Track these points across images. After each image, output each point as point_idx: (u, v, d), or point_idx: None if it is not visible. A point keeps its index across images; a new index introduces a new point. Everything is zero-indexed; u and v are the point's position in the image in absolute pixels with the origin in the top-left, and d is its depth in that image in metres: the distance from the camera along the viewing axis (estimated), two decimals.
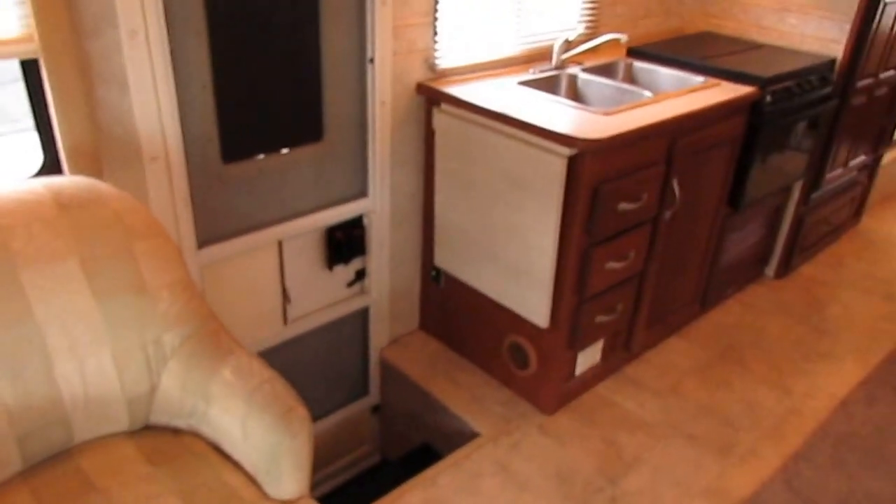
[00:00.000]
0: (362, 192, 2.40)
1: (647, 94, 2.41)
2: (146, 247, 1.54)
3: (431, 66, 2.37)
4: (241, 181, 2.08)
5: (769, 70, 2.67)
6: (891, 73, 3.28)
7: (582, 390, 2.56)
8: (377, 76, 2.24)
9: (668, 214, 2.43)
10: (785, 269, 3.36)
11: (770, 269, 3.38)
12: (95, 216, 1.50)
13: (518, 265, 2.27)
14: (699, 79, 2.63)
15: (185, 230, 1.97)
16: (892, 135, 3.67)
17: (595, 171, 2.08)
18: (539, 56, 2.69)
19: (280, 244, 2.25)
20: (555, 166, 2.05)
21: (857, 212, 3.85)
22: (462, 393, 2.56)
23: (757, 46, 3.07)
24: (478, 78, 2.44)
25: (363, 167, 2.37)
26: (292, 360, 2.47)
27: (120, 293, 1.48)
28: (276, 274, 2.28)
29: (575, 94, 2.63)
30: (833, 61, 2.94)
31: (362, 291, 2.56)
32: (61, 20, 1.53)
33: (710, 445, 2.39)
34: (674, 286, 2.72)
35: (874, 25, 2.89)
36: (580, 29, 2.80)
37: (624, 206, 2.20)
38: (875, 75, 3.17)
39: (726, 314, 3.09)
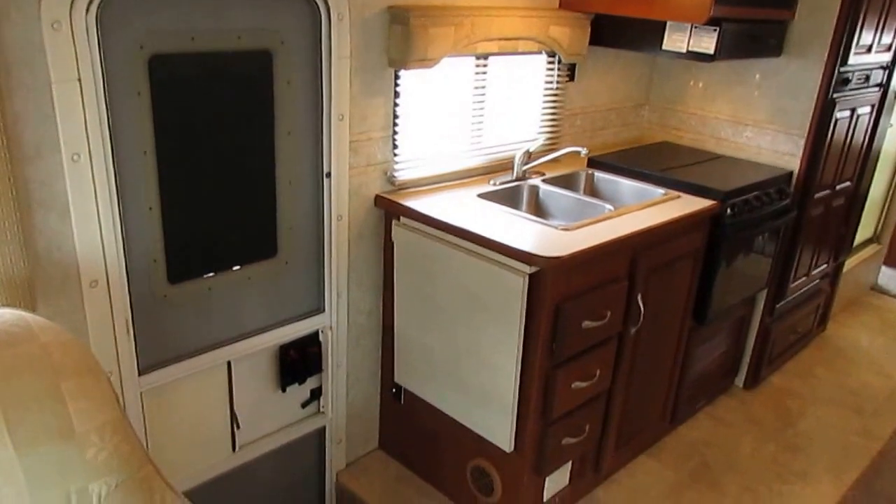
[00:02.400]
0: (318, 308, 2.30)
1: (609, 207, 2.39)
2: (75, 386, 1.41)
3: (390, 179, 2.33)
4: (188, 301, 1.97)
5: (728, 183, 2.68)
6: (846, 184, 3.34)
7: None
8: (334, 190, 2.18)
9: (633, 330, 2.37)
10: (754, 379, 3.30)
11: (739, 380, 3.32)
12: (20, 355, 1.38)
13: (480, 386, 2.18)
14: (660, 191, 2.62)
15: (125, 357, 1.83)
16: (851, 243, 3.71)
17: (557, 289, 2.02)
18: (500, 167, 2.68)
19: (229, 365, 2.11)
20: (515, 284, 1.99)
21: (823, 319, 3.83)
22: None
23: (715, 157, 3.10)
24: (438, 190, 2.40)
25: (319, 282, 2.28)
26: (242, 489, 2.29)
27: (43, 442, 1.35)
28: (224, 397, 2.15)
29: (536, 206, 2.61)
30: (790, 174, 2.97)
31: (318, 411, 2.43)
32: None
33: None
34: (642, 402, 2.64)
35: (827, 139, 2.94)
36: (541, 140, 2.81)
37: (588, 323, 2.13)
38: (832, 186, 3.21)
39: (696, 429, 3.00)
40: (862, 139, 3.28)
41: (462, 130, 2.52)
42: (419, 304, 2.27)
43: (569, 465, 2.39)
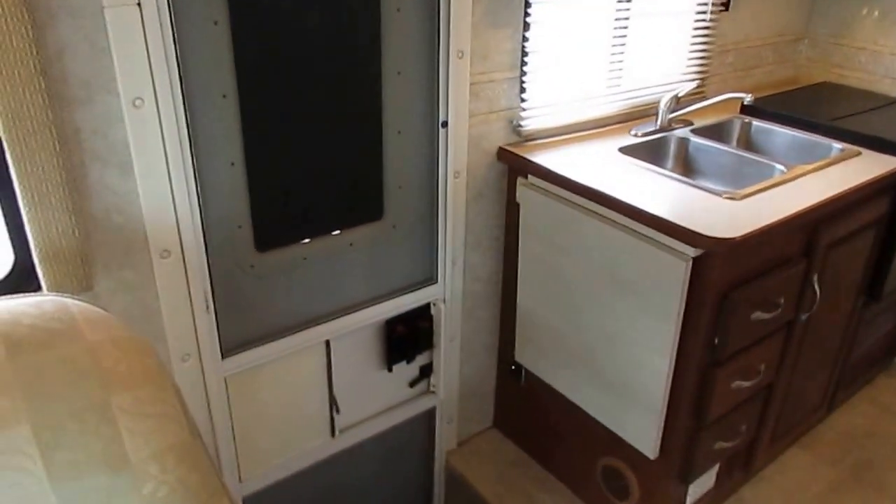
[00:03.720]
0: (430, 278, 1.89)
1: (780, 168, 1.84)
2: (131, 400, 1.05)
3: (516, 129, 1.86)
4: (279, 272, 1.60)
5: None
6: None
7: None
8: (451, 142, 1.74)
9: (804, 317, 1.84)
10: None
11: None
12: (59, 359, 1.02)
13: (620, 381, 1.72)
14: (837, 146, 2.04)
15: (206, 337, 1.49)
16: None
17: (724, 275, 1.53)
18: (640, 114, 2.16)
19: (328, 344, 1.75)
20: (674, 269, 1.50)
21: None
22: None
23: (892, 102, 2.46)
24: (571, 142, 1.92)
25: (431, 248, 1.86)
26: (342, 475, 1.96)
27: (86, 472, 1.00)
28: (322, 380, 1.79)
29: (685, 163, 2.08)
30: None
31: (428, 390, 2.05)
32: (31, 86, 1.07)
33: None
34: (802, 392, 2.12)
35: None
36: (687, 83, 2.25)
37: (758, 315, 1.63)
38: None
39: (855, 416, 2.46)
40: None
41: (600, 71, 1.99)
42: (547, 279, 1.81)
43: (716, 467, 1.91)
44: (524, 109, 1.85)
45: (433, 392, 2.04)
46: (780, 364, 1.87)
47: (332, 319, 1.71)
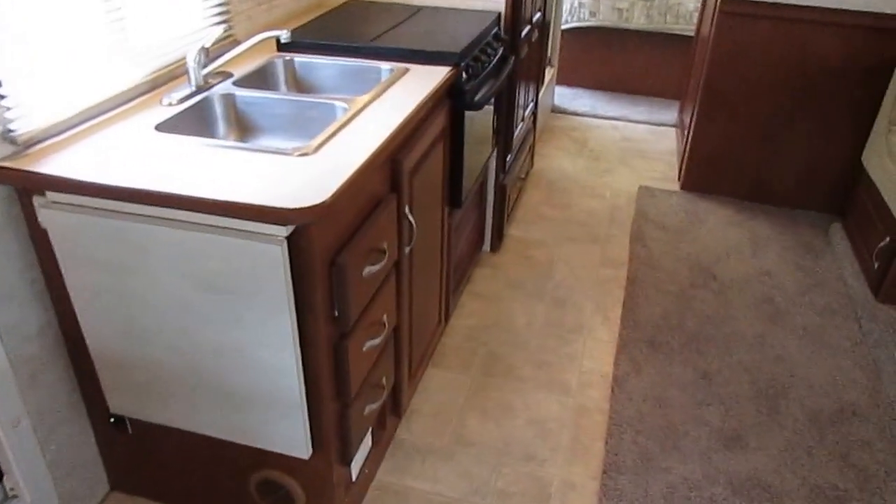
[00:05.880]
0: None
1: (341, 105, 1.68)
2: None
3: (7, 137, 1.36)
4: None
5: (457, 42, 2.08)
6: (538, 14, 2.95)
7: (364, 491, 1.86)
8: None
9: (407, 251, 1.77)
10: (498, 241, 2.95)
11: (486, 246, 2.94)
12: None
13: (246, 393, 1.45)
14: (385, 67, 1.95)
15: None
16: (544, 75, 3.42)
17: (325, 242, 1.32)
18: (170, 77, 1.79)
19: None
20: (269, 256, 1.25)
21: (531, 156, 3.58)
22: None
23: (416, 11, 2.48)
24: (91, 132, 1.48)
25: None
26: None
27: None
28: None
29: (239, 124, 1.79)
30: (499, 15, 2.47)
31: (7, 498, 1.52)
32: None
33: (526, 497, 1.88)
34: (423, 318, 2.10)
35: None
36: (212, 29, 1.93)
37: (369, 269, 1.48)
38: (530, 21, 2.80)
39: (467, 317, 2.58)
40: None
41: (96, 33, 1.56)
42: (117, 309, 1.42)
43: (370, 428, 1.80)
44: (8, 109, 1.35)
45: (16, 496, 1.53)
46: (398, 306, 1.79)
47: None
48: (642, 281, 2.78)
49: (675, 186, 3.56)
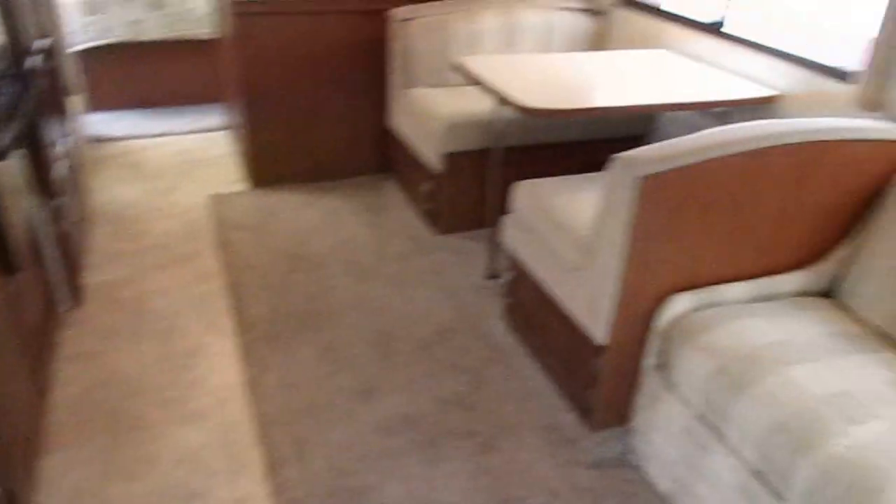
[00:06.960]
0: None
1: None
2: None
3: None
4: None
5: None
6: (43, 41, 2.66)
7: None
8: None
9: None
10: (76, 294, 2.65)
11: (64, 304, 2.62)
12: None
13: None
14: None
15: None
16: (65, 105, 3.12)
17: None
18: None
19: None
20: None
21: (85, 194, 3.26)
22: None
23: None
24: None
25: None
26: None
27: None
28: None
29: None
30: None
31: None
32: None
33: None
34: (2, 412, 1.80)
35: None
36: None
37: None
38: (29, 51, 2.51)
39: (69, 385, 2.27)
40: None
41: None
42: None
43: None
44: None
45: None
46: None
47: None
48: (242, 283, 2.80)
49: (244, 187, 3.61)
